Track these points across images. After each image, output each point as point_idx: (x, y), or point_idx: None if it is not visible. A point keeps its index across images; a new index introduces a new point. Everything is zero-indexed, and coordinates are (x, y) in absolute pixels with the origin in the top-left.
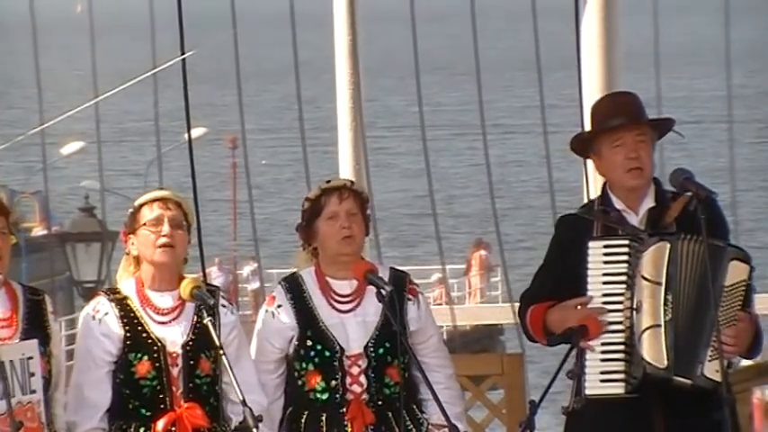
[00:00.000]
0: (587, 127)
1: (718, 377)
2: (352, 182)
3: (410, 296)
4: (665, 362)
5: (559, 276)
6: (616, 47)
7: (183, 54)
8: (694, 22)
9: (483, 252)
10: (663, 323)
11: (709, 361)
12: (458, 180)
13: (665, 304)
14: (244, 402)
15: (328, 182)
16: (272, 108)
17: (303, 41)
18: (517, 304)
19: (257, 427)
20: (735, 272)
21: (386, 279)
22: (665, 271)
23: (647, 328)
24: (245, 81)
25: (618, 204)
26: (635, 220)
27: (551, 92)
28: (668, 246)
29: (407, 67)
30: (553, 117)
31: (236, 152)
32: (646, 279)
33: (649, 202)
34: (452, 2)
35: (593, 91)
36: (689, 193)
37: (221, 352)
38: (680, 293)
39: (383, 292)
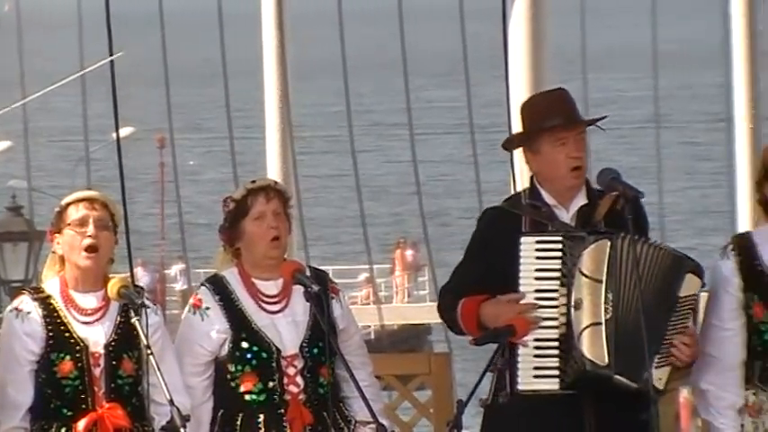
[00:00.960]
0: (515, 127)
1: (660, 385)
2: (276, 182)
3: (332, 295)
4: (606, 360)
5: (483, 270)
6: (544, 47)
7: (111, 55)
8: (623, 24)
9: (410, 252)
10: (603, 321)
11: (656, 368)
12: (386, 180)
13: (605, 302)
14: (171, 402)
15: (254, 182)
16: (200, 108)
17: (232, 42)
18: None
19: (185, 427)
20: (689, 284)
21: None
22: (605, 269)
23: (588, 326)
24: (174, 81)
25: (548, 200)
26: (566, 216)
27: (479, 92)
28: (608, 244)
29: (337, 67)
30: (480, 117)
31: (164, 152)
32: (586, 276)
33: (581, 200)
34: (381, 3)
35: (520, 91)
36: (615, 193)
37: (149, 351)
38: (620, 292)
39: (311, 291)
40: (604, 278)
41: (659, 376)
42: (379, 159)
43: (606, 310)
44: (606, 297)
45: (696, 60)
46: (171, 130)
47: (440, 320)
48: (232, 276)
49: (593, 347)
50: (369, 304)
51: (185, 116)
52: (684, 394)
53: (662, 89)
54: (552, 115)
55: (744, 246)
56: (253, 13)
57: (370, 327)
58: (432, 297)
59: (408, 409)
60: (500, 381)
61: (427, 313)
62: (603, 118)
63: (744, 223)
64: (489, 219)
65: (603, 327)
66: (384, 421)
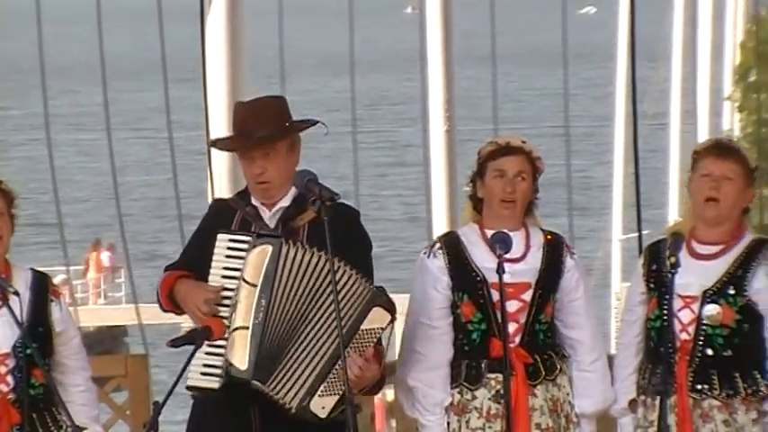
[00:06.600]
0: (212, 130)
1: (322, 414)
2: (1, 181)
3: (53, 297)
4: (246, 365)
5: (196, 256)
6: (242, 50)
7: None
8: (319, 27)
9: (107, 253)
10: (251, 326)
11: (321, 396)
12: (82, 180)
13: (257, 308)
14: None
15: None
16: None
17: None
18: (141, 305)
19: None
20: (375, 317)
21: (28, 280)
22: (262, 273)
23: (236, 329)
24: None
25: (255, 201)
26: (267, 215)
27: (179, 95)
28: (270, 249)
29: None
30: (184, 118)
31: None
32: (244, 279)
33: (285, 202)
34: (81, 3)
35: (218, 95)
36: (313, 198)
37: None
38: (275, 300)
39: (9, 292)
40: (260, 283)
41: (323, 404)
42: (78, 162)
43: (257, 315)
44: (259, 302)
45: (394, 63)
46: None
47: (136, 322)
48: None
49: (236, 351)
50: None
51: None
52: (379, 395)
53: (361, 93)
54: (234, 132)
55: (452, 244)
56: None
57: None
58: (128, 299)
59: (105, 411)
60: None
61: (124, 315)
62: (295, 126)
63: (440, 226)
64: (212, 209)
65: (250, 331)
66: (97, 426)
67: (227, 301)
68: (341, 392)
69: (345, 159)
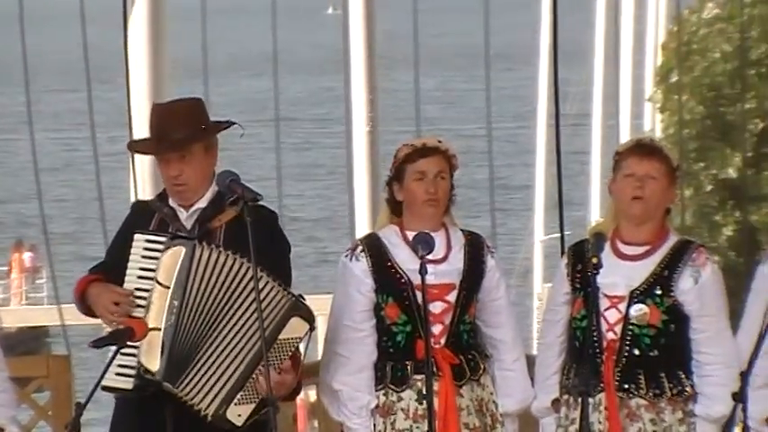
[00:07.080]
0: (135, 130)
1: (238, 421)
2: None
3: None
4: (157, 367)
5: (117, 257)
6: (163, 52)
7: None
8: (243, 28)
9: (29, 254)
10: (163, 328)
11: (237, 404)
12: (4, 183)
13: (170, 310)
14: None
15: None
16: None
17: None
18: (63, 306)
19: None
20: (293, 327)
21: None
22: (174, 275)
23: (150, 330)
24: None
25: (172, 202)
26: (185, 216)
27: (99, 95)
28: (183, 251)
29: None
30: (103, 119)
31: None
32: (158, 281)
33: (203, 203)
34: (3, 2)
35: (140, 95)
36: (234, 198)
37: None
38: (188, 302)
39: None
40: (172, 285)
41: (239, 413)
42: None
43: (169, 318)
44: (171, 304)
45: (317, 64)
46: None
47: (59, 323)
48: None
49: (148, 352)
50: None
51: None
52: (301, 396)
53: (284, 94)
54: (151, 135)
55: (374, 246)
56: None
57: None
58: (50, 300)
59: (27, 412)
60: None
61: (46, 315)
62: (205, 130)
63: (362, 227)
64: (133, 210)
65: (162, 333)
66: (14, 428)
67: (142, 302)
68: (257, 400)
69: (268, 160)
